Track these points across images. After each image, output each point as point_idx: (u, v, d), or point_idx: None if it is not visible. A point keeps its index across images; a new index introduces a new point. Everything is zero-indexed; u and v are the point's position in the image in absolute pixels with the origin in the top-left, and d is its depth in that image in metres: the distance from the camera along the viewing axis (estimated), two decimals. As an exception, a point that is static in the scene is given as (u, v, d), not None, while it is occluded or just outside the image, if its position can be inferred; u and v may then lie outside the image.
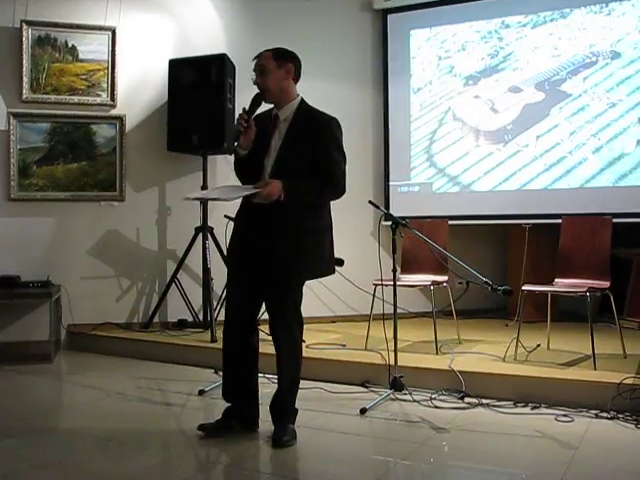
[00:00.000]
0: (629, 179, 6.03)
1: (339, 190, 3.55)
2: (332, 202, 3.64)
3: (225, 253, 4.97)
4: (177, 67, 6.21)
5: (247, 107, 3.49)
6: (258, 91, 3.54)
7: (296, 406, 3.59)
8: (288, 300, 3.49)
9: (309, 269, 3.55)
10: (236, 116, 6.34)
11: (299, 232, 3.45)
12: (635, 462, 3.20)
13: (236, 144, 3.59)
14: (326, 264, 3.61)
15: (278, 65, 3.50)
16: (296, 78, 3.59)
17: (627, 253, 6.14)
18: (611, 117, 6.16)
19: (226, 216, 4.67)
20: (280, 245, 3.44)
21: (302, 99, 3.62)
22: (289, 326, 3.50)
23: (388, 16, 7.08)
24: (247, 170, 3.56)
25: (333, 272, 3.68)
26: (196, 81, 6.11)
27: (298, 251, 3.45)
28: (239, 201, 3.63)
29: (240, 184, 3.65)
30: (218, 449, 3.47)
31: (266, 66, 3.50)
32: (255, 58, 3.55)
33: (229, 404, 3.64)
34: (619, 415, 3.77)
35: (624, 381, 3.88)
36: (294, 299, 3.52)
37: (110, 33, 6.29)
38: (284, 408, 3.55)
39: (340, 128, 3.57)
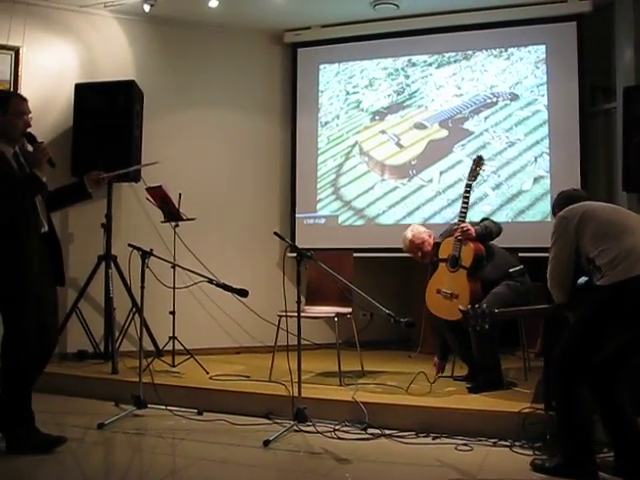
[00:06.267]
0: (526, 215, 6.28)
1: None
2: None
3: (129, 283, 5.37)
4: (84, 91, 6.11)
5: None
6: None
7: None
8: None
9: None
10: (143, 143, 6.26)
11: None
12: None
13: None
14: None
15: None
16: None
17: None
18: (510, 155, 6.40)
19: (130, 245, 4.61)
20: None
21: None
22: None
23: (298, 50, 7.17)
24: None
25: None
26: (103, 107, 6.02)
27: None
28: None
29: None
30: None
31: None
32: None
33: None
34: (516, 443, 3.86)
35: (522, 410, 3.98)
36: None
37: (13, 53, 6.10)
38: None
39: None
